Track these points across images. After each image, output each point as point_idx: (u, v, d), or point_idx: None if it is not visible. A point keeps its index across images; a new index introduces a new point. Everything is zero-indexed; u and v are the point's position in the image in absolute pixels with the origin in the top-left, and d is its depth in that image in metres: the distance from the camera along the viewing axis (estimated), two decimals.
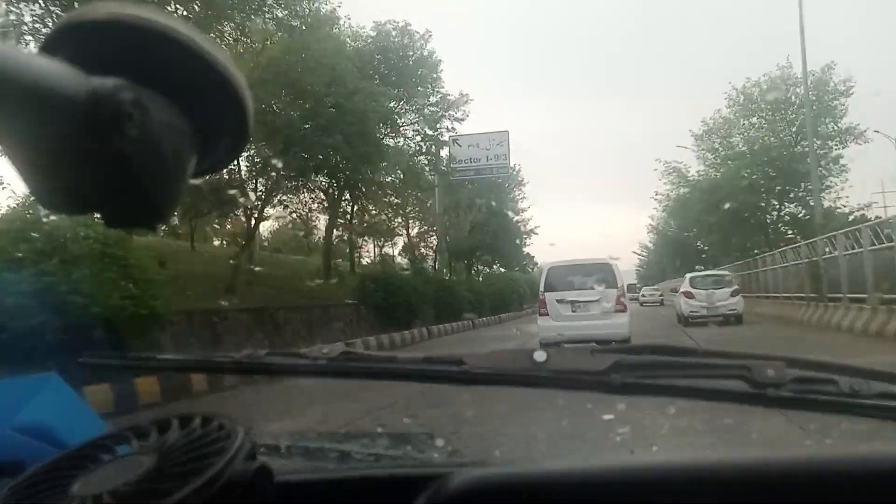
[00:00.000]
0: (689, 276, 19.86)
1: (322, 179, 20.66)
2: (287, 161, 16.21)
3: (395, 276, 20.10)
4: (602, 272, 11.79)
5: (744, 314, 18.25)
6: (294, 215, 26.42)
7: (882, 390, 0.67)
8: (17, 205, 8.88)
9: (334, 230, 23.26)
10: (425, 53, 25.73)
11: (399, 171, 23.54)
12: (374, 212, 27.28)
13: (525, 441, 4.28)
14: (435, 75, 26.35)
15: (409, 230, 33.17)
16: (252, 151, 16.30)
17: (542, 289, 11.84)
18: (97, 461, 0.66)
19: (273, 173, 17.28)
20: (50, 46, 0.41)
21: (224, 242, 29.11)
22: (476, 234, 36.07)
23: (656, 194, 45.01)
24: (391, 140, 22.85)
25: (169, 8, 12.10)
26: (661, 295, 41.12)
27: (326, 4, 18.69)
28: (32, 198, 0.44)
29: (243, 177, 17.48)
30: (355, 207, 24.77)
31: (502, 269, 41.52)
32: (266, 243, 33.96)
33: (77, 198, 0.43)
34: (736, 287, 19.05)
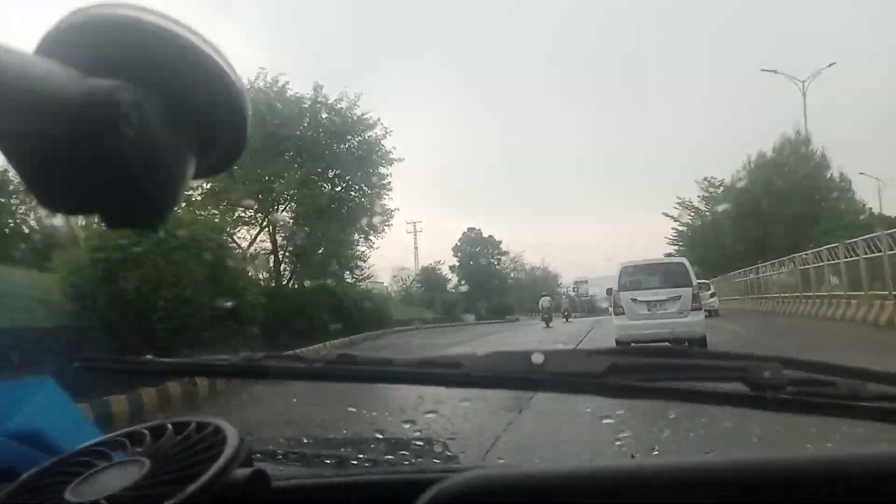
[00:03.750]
0: None
1: None
2: None
3: None
4: (676, 271, 11.84)
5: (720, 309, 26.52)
6: None
7: (880, 392, 0.66)
8: None
9: None
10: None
11: None
12: None
13: (524, 445, 4.26)
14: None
15: None
16: None
17: (616, 288, 11.85)
18: (92, 467, 0.66)
19: None
20: (47, 47, 0.41)
21: None
22: None
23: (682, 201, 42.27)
24: None
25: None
26: None
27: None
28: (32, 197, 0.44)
29: None
30: None
31: None
32: None
33: (76, 198, 0.43)
34: (714, 290, 27.13)
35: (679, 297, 11.32)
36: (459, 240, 56.02)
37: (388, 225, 23.84)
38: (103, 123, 0.39)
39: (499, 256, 57.19)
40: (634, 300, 11.54)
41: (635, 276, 11.91)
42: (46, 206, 0.43)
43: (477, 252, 54.53)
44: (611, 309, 12.42)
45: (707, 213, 44.41)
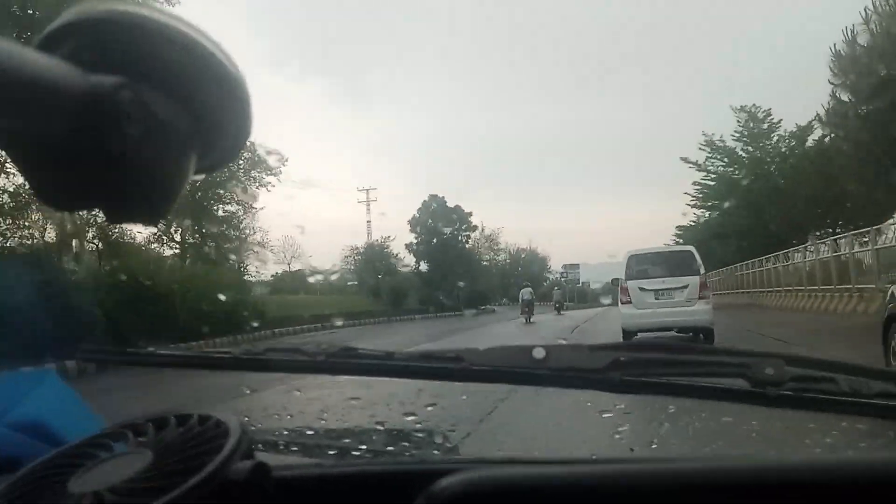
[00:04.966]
0: None
1: None
2: None
3: None
4: (683, 259, 11.84)
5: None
6: None
7: (881, 389, 0.67)
8: None
9: None
10: None
11: None
12: None
13: (524, 439, 4.28)
14: None
15: None
16: None
17: (623, 277, 11.83)
18: (94, 458, 0.66)
19: None
20: (49, 43, 0.41)
21: None
22: None
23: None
24: None
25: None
26: None
27: None
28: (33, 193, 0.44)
29: None
30: None
31: None
32: None
33: (77, 194, 0.43)
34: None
35: (686, 286, 11.35)
36: (418, 210, 42.32)
37: (272, 173, 16.10)
38: (105, 120, 0.39)
39: (467, 233, 43.17)
40: (642, 289, 11.53)
41: (642, 264, 11.91)
42: (48, 203, 0.44)
43: (441, 227, 41.51)
44: (609, 299, 12.42)
45: (745, 158, 28.32)
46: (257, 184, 16.50)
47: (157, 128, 0.41)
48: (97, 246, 15.92)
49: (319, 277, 34.22)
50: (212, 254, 16.99)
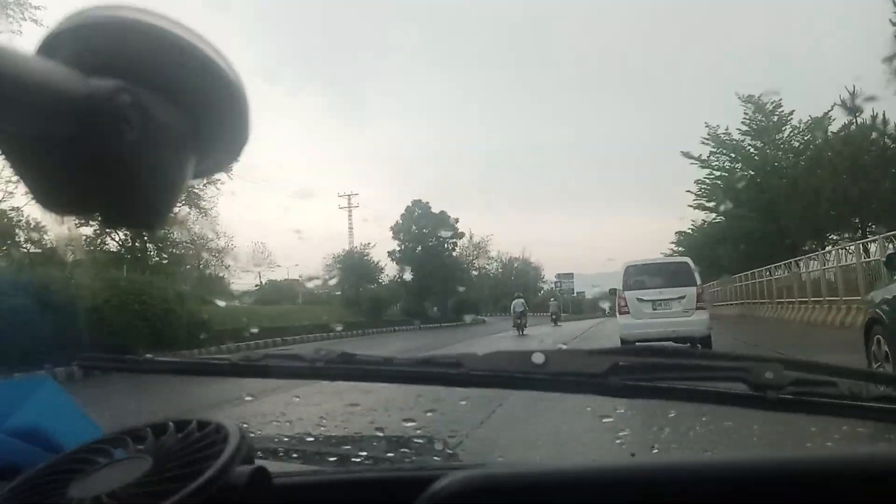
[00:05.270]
0: None
1: None
2: None
3: None
4: (680, 270, 12.09)
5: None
6: None
7: (881, 393, 0.67)
8: None
9: None
10: None
11: None
12: None
13: (524, 444, 4.27)
14: None
15: None
16: None
17: (621, 287, 12.05)
18: (93, 464, 0.66)
19: None
20: (49, 47, 0.41)
21: None
22: None
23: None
24: None
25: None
26: None
27: None
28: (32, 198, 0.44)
29: None
30: None
31: None
32: None
33: (75, 199, 0.43)
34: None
35: (683, 297, 11.55)
36: (402, 216, 40.23)
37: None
38: (104, 125, 0.39)
39: (454, 240, 40.87)
40: (639, 299, 11.73)
41: (639, 275, 12.13)
42: (46, 207, 0.44)
43: (426, 234, 39.49)
44: (607, 307, 12.63)
45: (754, 153, 26.04)
46: (206, 181, 15.29)
47: (156, 131, 0.41)
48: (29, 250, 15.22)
49: (318, 282, 33.50)
50: (154, 259, 15.68)
